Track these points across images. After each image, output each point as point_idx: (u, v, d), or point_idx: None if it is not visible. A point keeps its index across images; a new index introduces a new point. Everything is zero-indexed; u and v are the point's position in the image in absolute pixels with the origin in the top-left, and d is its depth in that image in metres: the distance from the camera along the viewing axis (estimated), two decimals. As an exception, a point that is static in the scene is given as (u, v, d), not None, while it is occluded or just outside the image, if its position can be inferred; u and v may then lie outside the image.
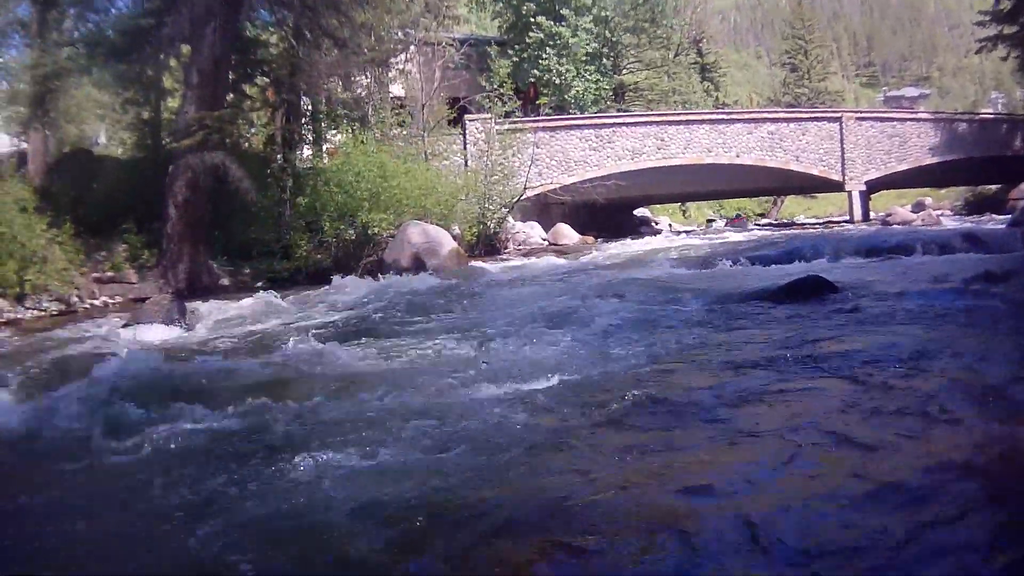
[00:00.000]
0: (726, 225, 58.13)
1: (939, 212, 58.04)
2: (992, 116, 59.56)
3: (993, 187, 64.16)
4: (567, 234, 41.67)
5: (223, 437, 6.55)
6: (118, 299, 24.52)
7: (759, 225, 65.01)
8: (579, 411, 6.72)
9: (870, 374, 7.27)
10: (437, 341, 10.92)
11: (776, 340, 9.27)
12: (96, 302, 24.09)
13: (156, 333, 14.79)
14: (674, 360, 8.61)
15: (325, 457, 5.64)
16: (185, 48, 28.77)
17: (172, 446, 6.39)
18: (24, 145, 32.08)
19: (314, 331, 12.75)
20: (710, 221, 78.91)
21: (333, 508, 4.80)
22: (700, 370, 8.17)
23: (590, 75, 57.91)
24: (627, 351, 9.12)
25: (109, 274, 25.51)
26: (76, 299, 23.54)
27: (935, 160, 50.48)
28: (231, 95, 29.52)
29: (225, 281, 26.35)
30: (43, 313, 22.29)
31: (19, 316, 21.66)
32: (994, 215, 41.70)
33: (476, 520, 4.62)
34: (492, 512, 4.72)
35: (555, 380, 7.73)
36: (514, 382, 7.72)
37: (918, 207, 66.66)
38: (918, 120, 52.95)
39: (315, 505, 4.88)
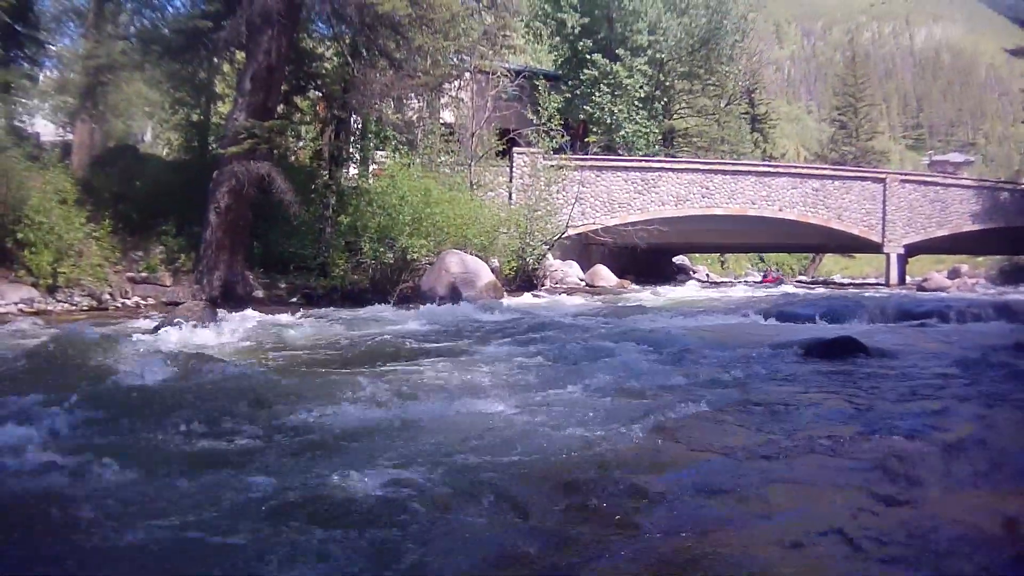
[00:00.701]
0: (762, 281, 57.05)
1: (974, 280, 57.58)
2: (1034, 186, 59.29)
3: (1029, 257, 63.93)
4: (605, 276, 41.49)
5: (236, 450, 6.45)
6: (150, 300, 24.46)
7: (797, 283, 64.19)
8: (585, 458, 6.50)
9: (889, 439, 7.11)
10: (465, 369, 10.84)
11: (801, 398, 9.14)
12: (128, 301, 24.06)
13: (186, 338, 14.62)
14: (696, 407, 8.36)
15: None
16: (240, 54, 28.75)
17: (174, 455, 6.28)
18: (70, 136, 32.02)
19: (344, 353, 12.62)
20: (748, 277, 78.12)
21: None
22: (718, 418, 8.10)
23: (641, 117, 57.73)
24: (649, 399, 8.94)
25: (143, 274, 25.49)
26: (108, 296, 23.53)
27: (975, 227, 50.04)
28: (282, 106, 29.42)
29: (260, 293, 26.19)
30: (73, 307, 22.29)
31: (49, 307, 21.68)
32: (1027, 285, 41.47)
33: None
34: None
35: (576, 428, 7.48)
36: (539, 429, 7.48)
37: (954, 273, 66.38)
38: (961, 186, 52.62)
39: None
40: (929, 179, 54.90)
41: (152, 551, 4.49)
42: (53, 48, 33.53)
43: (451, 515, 5.00)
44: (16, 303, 21.17)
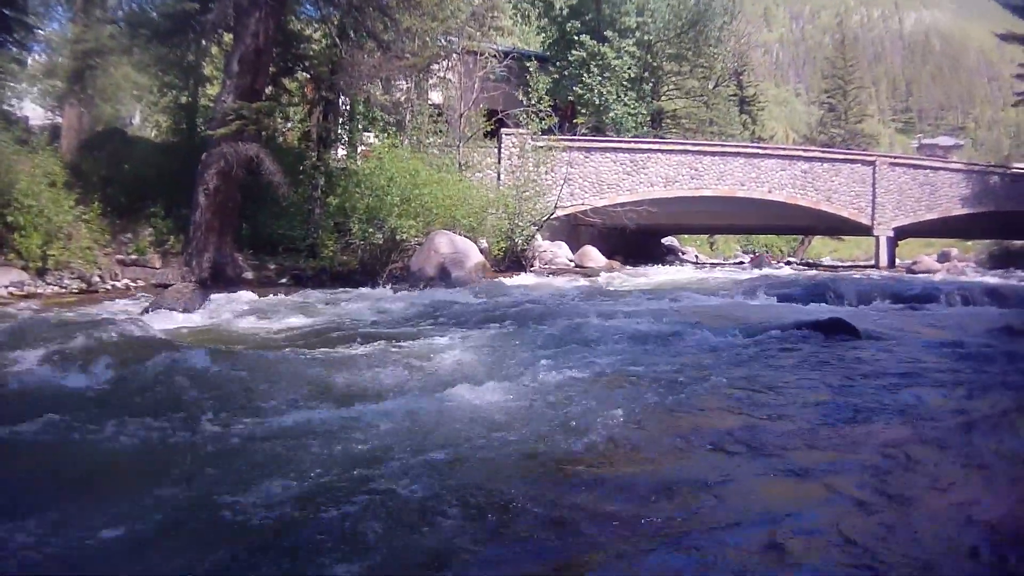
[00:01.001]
0: (750, 263, 56.45)
1: (964, 263, 57.59)
2: (1025, 170, 59.21)
3: (1019, 241, 63.81)
4: (594, 257, 41.49)
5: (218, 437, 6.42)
6: (140, 283, 24.49)
7: (788, 264, 63.97)
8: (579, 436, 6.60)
9: (875, 422, 7.24)
10: (454, 351, 10.80)
11: (790, 381, 9.18)
12: (118, 284, 24.09)
13: (176, 321, 14.70)
14: (683, 392, 8.40)
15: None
16: (228, 36, 28.77)
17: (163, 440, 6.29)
18: (58, 119, 32.06)
19: (333, 334, 12.66)
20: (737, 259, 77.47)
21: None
22: (705, 405, 8.08)
23: (630, 99, 57.75)
24: (639, 379, 8.99)
25: (133, 257, 25.53)
26: (98, 279, 23.55)
27: (965, 211, 50.01)
28: (270, 87, 29.43)
29: (249, 275, 26.21)
30: (63, 290, 22.36)
31: (39, 290, 21.75)
32: (1017, 270, 41.33)
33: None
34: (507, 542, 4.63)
35: (573, 407, 7.58)
36: (531, 410, 7.52)
37: (943, 257, 66.28)
38: (951, 170, 52.47)
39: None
40: (919, 162, 54.81)
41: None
42: (41, 32, 33.58)
43: (419, 515, 4.97)
44: (6, 286, 21.21)
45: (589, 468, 5.91)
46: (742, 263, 56.20)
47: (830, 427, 7.06)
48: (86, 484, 5.47)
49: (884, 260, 49.24)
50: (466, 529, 4.76)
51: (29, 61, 33.88)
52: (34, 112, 35.23)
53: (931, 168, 51.83)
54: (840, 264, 74.27)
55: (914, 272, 43.23)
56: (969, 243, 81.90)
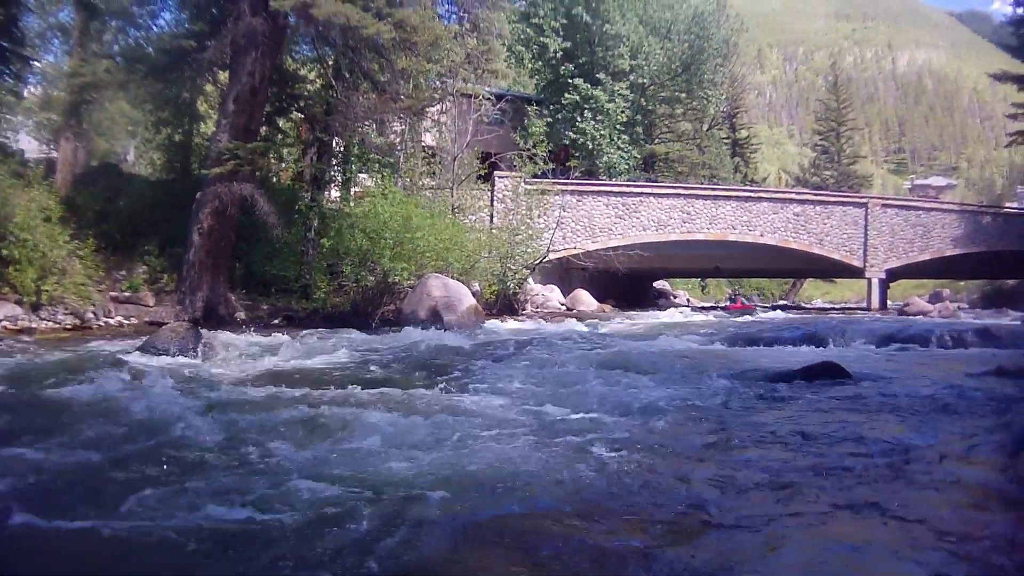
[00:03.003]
0: (728, 308, 54.02)
1: (956, 304, 57.74)
2: (1017, 211, 59.21)
3: (1011, 281, 63.95)
4: (585, 300, 41.64)
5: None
6: (133, 320, 24.49)
7: (778, 308, 63.25)
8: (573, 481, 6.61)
9: (870, 464, 7.24)
10: (442, 398, 10.90)
11: (784, 423, 9.24)
12: (111, 320, 24.09)
13: (170, 361, 14.76)
14: (679, 436, 8.52)
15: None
16: (223, 75, 28.89)
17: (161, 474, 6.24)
18: (54, 153, 32.12)
19: (325, 377, 12.72)
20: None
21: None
22: (702, 449, 8.08)
23: (623, 142, 58.00)
24: (625, 430, 8.87)
25: (126, 294, 25.58)
26: (91, 315, 23.55)
27: (957, 251, 50.24)
28: (265, 127, 29.57)
29: (242, 315, 26.25)
30: (57, 325, 22.34)
31: (32, 325, 21.71)
32: (1010, 310, 41.47)
33: None
34: None
35: (567, 452, 7.62)
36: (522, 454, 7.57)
37: (935, 298, 66.57)
38: (943, 210, 52.69)
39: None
40: (911, 203, 55.10)
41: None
42: (38, 64, 33.65)
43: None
44: (0, 320, 21.23)
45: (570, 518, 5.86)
46: (723, 308, 55.34)
47: (818, 469, 6.99)
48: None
49: (876, 302, 49.48)
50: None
51: (25, 93, 33.97)
52: (29, 145, 35.30)
53: (923, 209, 52.16)
54: (832, 307, 74.34)
55: (906, 313, 43.43)
56: (961, 283, 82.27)
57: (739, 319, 35.12)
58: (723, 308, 42.79)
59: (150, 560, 4.95)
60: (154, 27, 32.39)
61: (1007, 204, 77.77)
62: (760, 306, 62.50)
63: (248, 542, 5.13)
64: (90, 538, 5.16)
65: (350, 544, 5.04)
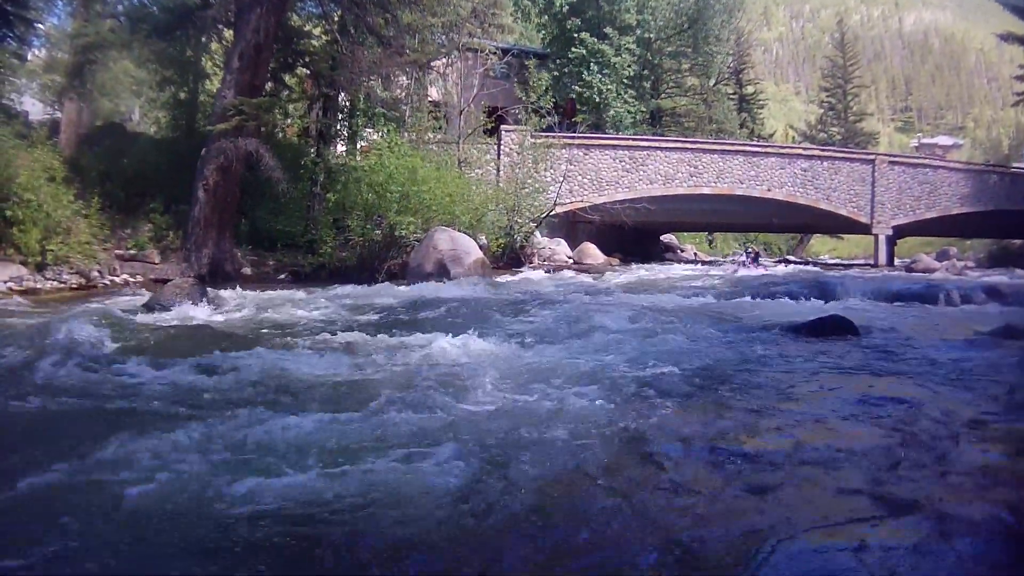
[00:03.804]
0: (739, 262, 51.84)
1: (963, 263, 57.40)
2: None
3: (1018, 241, 63.67)
4: (592, 254, 41.48)
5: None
6: (139, 278, 24.34)
7: (786, 262, 62.44)
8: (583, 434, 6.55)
9: (875, 418, 7.27)
10: (452, 347, 10.80)
11: (793, 377, 9.24)
12: (116, 279, 23.94)
13: (176, 315, 14.66)
14: (690, 389, 8.47)
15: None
16: (228, 32, 28.74)
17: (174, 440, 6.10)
18: (58, 114, 32.03)
19: (333, 330, 12.62)
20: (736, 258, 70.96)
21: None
22: (712, 402, 8.02)
23: (629, 97, 57.78)
24: (644, 376, 8.98)
25: (131, 252, 25.49)
26: (96, 274, 23.41)
27: (964, 210, 50.07)
28: (270, 83, 29.42)
29: (247, 270, 26.22)
30: (62, 285, 22.22)
31: (38, 285, 21.59)
32: (1017, 269, 41.19)
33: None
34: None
35: (579, 401, 7.58)
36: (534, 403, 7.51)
37: (943, 256, 66.09)
38: (950, 169, 52.46)
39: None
40: (918, 161, 54.83)
41: None
42: (42, 27, 33.53)
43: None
44: (5, 281, 21.12)
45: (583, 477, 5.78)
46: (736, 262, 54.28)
47: (824, 426, 7.03)
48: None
49: (883, 259, 49.21)
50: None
51: (29, 56, 33.87)
52: (33, 107, 35.23)
53: (930, 167, 51.82)
54: (839, 262, 74.05)
55: (913, 271, 43.08)
56: (968, 242, 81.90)
57: (748, 272, 34.54)
58: (741, 263, 39.92)
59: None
60: (158, -14, 32.19)
61: (1014, 164, 77.47)
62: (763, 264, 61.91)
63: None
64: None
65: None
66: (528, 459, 5.83)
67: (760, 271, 35.73)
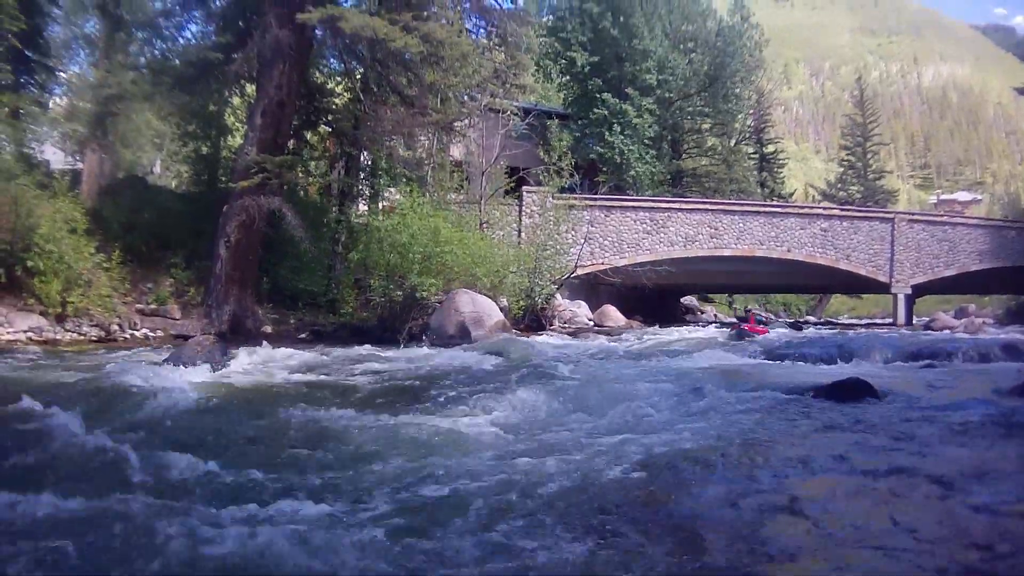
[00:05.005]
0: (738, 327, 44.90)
1: (981, 320, 57.19)
2: (1042, 224, 58.97)
3: (1037, 296, 63.62)
4: (613, 316, 41.39)
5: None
6: (159, 333, 24.40)
7: (794, 325, 61.24)
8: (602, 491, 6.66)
9: (891, 486, 7.17)
10: (471, 416, 10.77)
11: (810, 441, 9.30)
12: (136, 333, 24.05)
13: (196, 375, 14.57)
14: (708, 450, 8.55)
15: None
16: (250, 87, 28.83)
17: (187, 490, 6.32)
18: (79, 164, 32.07)
19: (359, 394, 12.57)
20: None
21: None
22: (729, 464, 8.05)
23: (650, 157, 57.83)
24: (665, 439, 9.02)
25: (152, 306, 25.52)
26: (116, 327, 23.53)
27: (982, 266, 49.97)
28: (292, 140, 29.46)
29: (268, 328, 26.16)
30: (81, 337, 22.34)
31: (57, 336, 21.72)
32: (1036, 325, 41.09)
33: None
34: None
35: (597, 463, 7.69)
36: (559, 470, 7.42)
37: (961, 313, 65.96)
38: (968, 225, 52.46)
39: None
40: (937, 218, 54.85)
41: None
42: (63, 75, 33.69)
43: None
44: (25, 331, 21.21)
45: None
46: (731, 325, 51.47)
47: (843, 491, 6.90)
48: None
49: (902, 318, 49.19)
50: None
51: (51, 104, 33.98)
52: (55, 156, 35.28)
53: (949, 224, 51.87)
54: (858, 322, 73.89)
55: (932, 329, 42.93)
56: (986, 299, 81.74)
57: (776, 335, 33.15)
58: (734, 328, 36.72)
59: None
60: (180, 39, 32.27)
61: (1032, 218, 77.48)
62: (783, 321, 61.08)
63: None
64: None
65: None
66: (551, 523, 5.84)
67: (760, 332, 32.34)
